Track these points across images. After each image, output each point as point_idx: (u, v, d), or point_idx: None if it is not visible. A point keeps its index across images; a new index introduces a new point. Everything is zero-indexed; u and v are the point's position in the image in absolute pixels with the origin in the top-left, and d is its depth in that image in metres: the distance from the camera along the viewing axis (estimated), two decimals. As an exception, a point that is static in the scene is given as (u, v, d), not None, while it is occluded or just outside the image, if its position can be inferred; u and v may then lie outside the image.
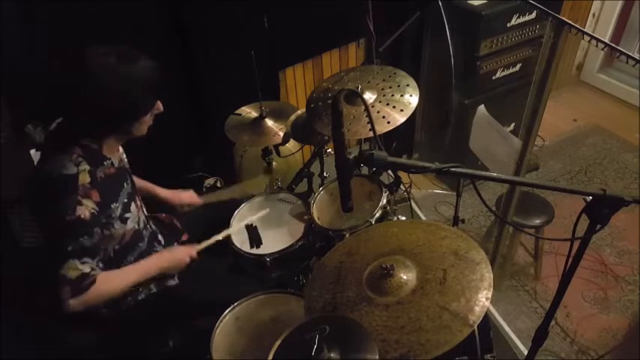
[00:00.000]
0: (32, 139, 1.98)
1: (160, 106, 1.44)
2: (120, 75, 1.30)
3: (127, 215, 1.48)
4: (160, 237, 1.73)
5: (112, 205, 1.41)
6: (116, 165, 1.48)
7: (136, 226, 1.55)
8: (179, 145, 2.56)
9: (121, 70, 1.30)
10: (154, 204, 1.83)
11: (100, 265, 1.39)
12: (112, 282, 1.42)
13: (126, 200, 1.48)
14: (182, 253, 1.60)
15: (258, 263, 1.78)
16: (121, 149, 1.58)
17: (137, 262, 1.54)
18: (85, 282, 1.33)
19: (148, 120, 1.44)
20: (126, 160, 1.62)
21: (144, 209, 1.67)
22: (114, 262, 1.50)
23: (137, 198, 1.60)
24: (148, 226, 1.68)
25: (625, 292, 2.44)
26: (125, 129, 1.42)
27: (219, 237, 1.75)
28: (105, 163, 1.43)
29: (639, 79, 3.41)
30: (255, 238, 1.85)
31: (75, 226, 1.30)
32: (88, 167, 1.34)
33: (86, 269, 1.33)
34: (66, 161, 1.33)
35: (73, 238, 1.30)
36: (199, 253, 1.64)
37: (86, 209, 1.31)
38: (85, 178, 1.32)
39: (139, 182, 1.77)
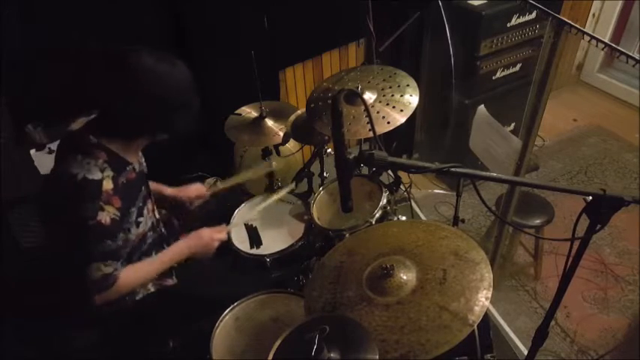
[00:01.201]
0: (32, 139, 1.98)
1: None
2: (171, 83, 1.33)
3: (140, 219, 1.49)
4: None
5: (131, 210, 1.43)
6: (137, 169, 1.50)
7: (145, 230, 1.55)
8: (179, 144, 2.55)
9: (172, 79, 1.33)
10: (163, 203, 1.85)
11: (123, 264, 1.43)
12: (134, 276, 1.46)
13: (141, 204, 1.50)
14: (209, 239, 1.62)
15: (258, 263, 1.79)
16: (140, 153, 1.59)
17: (161, 252, 1.57)
18: (108, 281, 1.37)
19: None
20: (144, 164, 1.63)
21: (156, 212, 1.67)
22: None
23: (150, 201, 1.61)
24: (158, 228, 1.67)
25: (625, 292, 2.44)
26: (156, 133, 1.44)
27: (246, 219, 1.80)
28: (127, 168, 1.44)
29: (639, 79, 3.41)
30: (255, 238, 1.85)
31: (97, 231, 1.32)
32: (112, 174, 1.35)
33: (109, 270, 1.36)
34: (91, 165, 1.32)
35: (95, 243, 1.33)
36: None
37: (107, 215, 1.32)
38: (108, 185, 1.33)
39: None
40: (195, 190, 1.88)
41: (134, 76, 1.29)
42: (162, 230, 1.71)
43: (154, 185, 1.82)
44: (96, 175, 1.32)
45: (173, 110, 1.37)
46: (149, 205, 1.59)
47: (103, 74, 1.32)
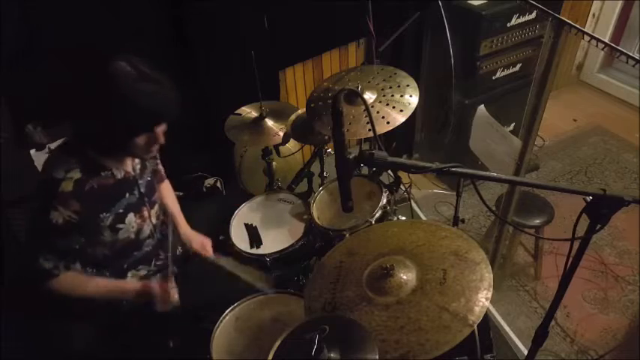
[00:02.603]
0: (32, 139, 1.98)
1: (160, 137, 1.40)
2: (128, 87, 1.26)
3: (120, 226, 1.46)
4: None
5: (101, 215, 1.41)
6: (119, 176, 1.46)
7: (132, 237, 1.52)
8: (179, 145, 2.55)
9: (130, 83, 1.27)
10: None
11: (77, 265, 1.43)
12: (75, 285, 1.45)
13: (121, 211, 1.46)
14: (158, 291, 1.51)
15: (258, 263, 1.79)
16: (137, 160, 1.54)
17: (116, 280, 1.54)
18: (46, 275, 1.39)
19: (140, 145, 1.38)
20: (138, 171, 1.55)
21: (153, 219, 1.62)
22: (102, 265, 1.51)
23: (145, 209, 1.56)
24: (156, 235, 1.65)
25: (625, 292, 2.44)
26: (117, 145, 1.39)
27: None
28: (102, 173, 1.41)
29: (639, 79, 3.41)
30: (255, 238, 1.85)
31: (45, 228, 1.33)
32: (78, 176, 1.34)
33: (48, 265, 1.38)
34: (61, 163, 1.34)
35: (42, 237, 1.37)
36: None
37: (60, 216, 1.31)
38: (67, 187, 1.32)
39: (172, 209, 1.77)
40: (200, 245, 1.74)
41: (109, 87, 1.25)
42: (160, 235, 1.67)
43: (175, 213, 1.78)
44: (58, 175, 1.33)
45: (140, 130, 1.35)
46: (143, 212, 1.55)
47: (81, 77, 1.34)
